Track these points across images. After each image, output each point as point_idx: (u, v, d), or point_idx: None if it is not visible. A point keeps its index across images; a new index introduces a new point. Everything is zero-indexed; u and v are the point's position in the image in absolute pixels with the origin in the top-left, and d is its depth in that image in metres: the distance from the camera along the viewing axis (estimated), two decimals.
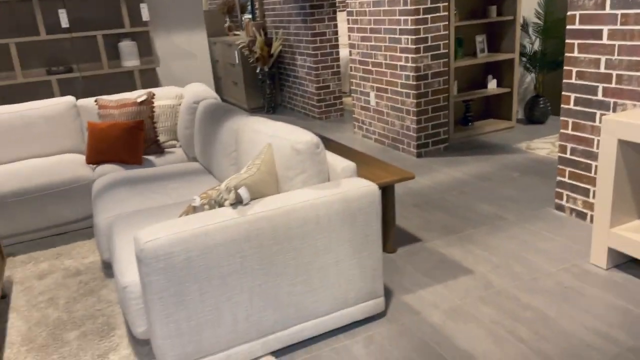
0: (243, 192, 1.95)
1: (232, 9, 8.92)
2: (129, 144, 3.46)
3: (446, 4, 4.33)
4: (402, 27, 4.40)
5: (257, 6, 8.42)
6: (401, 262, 2.75)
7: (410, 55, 4.39)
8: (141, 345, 2.20)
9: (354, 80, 5.37)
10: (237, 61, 7.43)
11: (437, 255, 2.79)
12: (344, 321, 2.17)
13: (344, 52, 7.43)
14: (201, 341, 1.88)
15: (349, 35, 5.25)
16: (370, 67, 5.02)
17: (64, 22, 4.71)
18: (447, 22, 4.39)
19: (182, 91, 3.89)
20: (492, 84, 5.10)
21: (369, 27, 4.89)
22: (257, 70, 7.09)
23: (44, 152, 3.75)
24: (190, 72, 5.61)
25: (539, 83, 5.25)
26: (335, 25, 6.24)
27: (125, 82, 5.21)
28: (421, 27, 4.30)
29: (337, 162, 2.25)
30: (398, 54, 4.54)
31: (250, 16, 8.79)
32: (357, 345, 2.10)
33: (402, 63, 4.50)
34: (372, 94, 5.06)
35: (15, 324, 2.43)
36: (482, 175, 3.94)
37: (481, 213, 3.28)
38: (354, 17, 5.09)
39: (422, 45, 4.34)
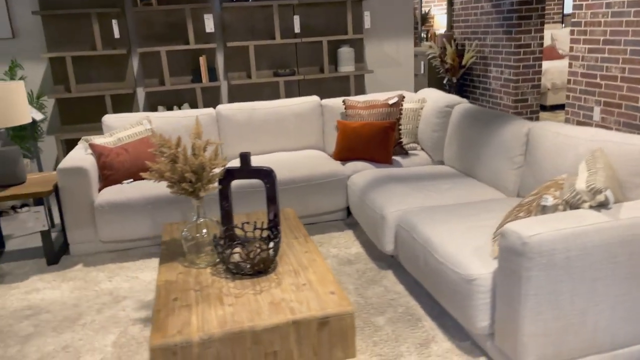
0: (610, 195, 1.87)
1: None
2: (381, 143, 3.57)
3: None
4: None
5: (424, 22, 8.41)
6: None
7: None
8: (460, 339, 2.21)
9: (571, 94, 5.10)
10: (422, 71, 7.47)
11: None
12: None
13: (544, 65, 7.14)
14: (561, 344, 1.83)
15: (572, 47, 5.01)
16: (597, 80, 4.73)
17: (297, 28, 5.03)
18: None
19: (423, 95, 3.94)
20: None
21: (602, 38, 4.62)
22: (445, 81, 7.06)
23: (290, 147, 4.01)
24: (393, 80, 5.71)
25: None
26: (541, 37, 6.00)
27: (338, 86, 5.43)
28: None
29: None
30: None
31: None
32: None
33: None
34: (597, 109, 4.75)
35: None
36: None
37: None
38: (582, 28, 4.84)
39: None
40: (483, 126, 3.11)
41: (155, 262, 3.15)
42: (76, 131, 4.68)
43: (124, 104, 4.99)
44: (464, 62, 6.77)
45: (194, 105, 5.11)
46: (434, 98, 3.77)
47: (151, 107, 5.05)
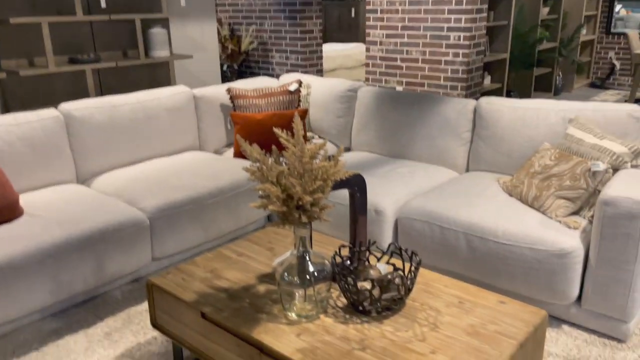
0: None
1: None
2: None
3: (486, 5, 4.90)
4: (452, 25, 4.82)
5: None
6: None
7: (461, 51, 4.83)
8: None
9: (370, 77, 5.58)
10: None
11: None
12: None
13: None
14: None
15: (369, 32, 5.46)
16: (398, 63, 5.31)
17: (103, 2, 3.96)
18: (486, 22, 4.96)
19: (308, 81, 3.68)
20: (487, 80, 5.86)
21: (400, 24, 5.18)
22: (225, 68, 6.74)
23: (166, 151, 3.21)
24: (200, 66, 5.15)
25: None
26: (321, 24, 6.34)
27: (147, 76, 4.56)
28: (472, 25, 4.78)
29: None
30: (444, 50, 4.94)
31: None
32: None
33: (450, 58, 4.92)
34: (400, 88, 5.35)
35: None
36: None
37: None
38: (378, 15, 5.33)
39: (472, 42, 4.83)
40: (409, 108, 3.13)
41: (75, 339, 2.09)
42: None
43: None
44: (243, 48, 6.59)
45: None
46: (321, 82, 3.58)
47: None
